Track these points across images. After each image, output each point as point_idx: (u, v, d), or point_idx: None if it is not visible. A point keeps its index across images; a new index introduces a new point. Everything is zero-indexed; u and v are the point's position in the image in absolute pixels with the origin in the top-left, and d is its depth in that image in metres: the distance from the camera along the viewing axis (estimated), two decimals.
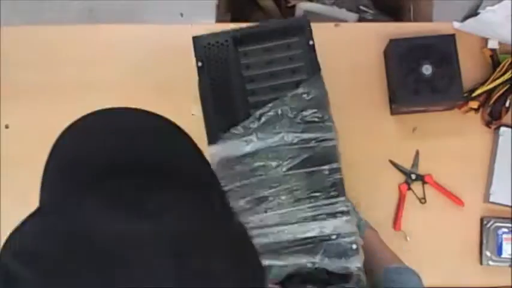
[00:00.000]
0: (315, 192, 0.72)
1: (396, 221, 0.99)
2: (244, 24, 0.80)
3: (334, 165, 0.73)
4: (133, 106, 0.40)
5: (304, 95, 0.74)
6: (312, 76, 0.75)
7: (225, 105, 0.76)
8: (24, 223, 0.34)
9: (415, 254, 0.97)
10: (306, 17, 0.78)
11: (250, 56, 0.77)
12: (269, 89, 0.76)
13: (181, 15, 1.29)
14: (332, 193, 0.72)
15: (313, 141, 0.73)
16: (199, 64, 0.77)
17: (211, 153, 0.74)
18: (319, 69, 0.76)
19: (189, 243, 0.33)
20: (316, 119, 0.73)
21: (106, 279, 0.31)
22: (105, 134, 0.38)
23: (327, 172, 0.73)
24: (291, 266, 0.71)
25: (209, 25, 1.21)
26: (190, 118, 0.97)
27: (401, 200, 0.99)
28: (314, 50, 0.77)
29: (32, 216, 0.35)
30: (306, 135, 0.73)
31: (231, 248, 0.36)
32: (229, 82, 0.77)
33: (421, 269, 0.98)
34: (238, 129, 0.74)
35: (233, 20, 1.44)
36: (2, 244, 0.35)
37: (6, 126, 1.04)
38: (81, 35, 1.08)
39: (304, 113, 0.73)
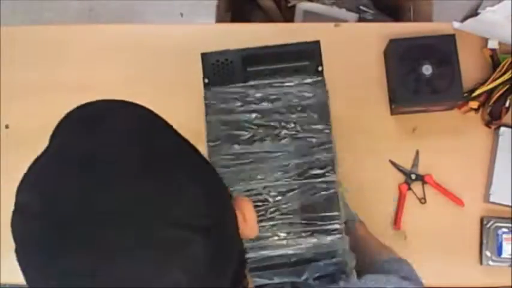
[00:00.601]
0: (308, 205, 0.72)
1: (396, 221, 0.99)
2: (257, 23, 0.80)
3: (330, 178, 0.73)
4: None
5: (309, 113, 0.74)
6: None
7: (228, 122, 0.76)
8: (35, 160, 0.40)
9: (415, 254, 0.97)
10: (317, 42, 0.77)
11: (258, 76, 0.77)
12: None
13: (181, 15, 1.29)
14: (326, 208, 0.72)
15: (312, 148, 0.73)
16: (206, 81, 0.77)
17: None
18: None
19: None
20: (316, 127, 0.74)
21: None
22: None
23: (322, 185, 0.72)
24: (273, 284, 0.70)
25: (209, 25, 1.21)
26: (190, 117, 0.97)
27: (401, 200, 0.99)
28: (322, 76, 0.77)
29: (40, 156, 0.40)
30: (304, 138, 0.73)
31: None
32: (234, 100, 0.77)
33: (421, 269, 0.97)
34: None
35: (233, 20, 1.44)
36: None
37: (6, 126, 1.04)
38: (81, 35, 1.08)
39: (304, 122, 0.74)
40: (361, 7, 1.48)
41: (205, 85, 0.77)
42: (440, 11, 1.18)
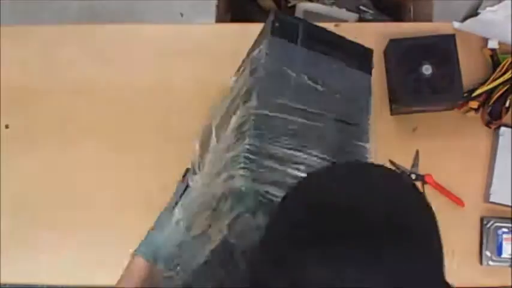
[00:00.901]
0: (339, 153, 0.75)
1: None
2: (257, 24, 0.83)
3: (366, 145, 0.78)
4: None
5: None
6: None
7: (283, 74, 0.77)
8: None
9: None
10: (371, 50, 0.81)
11: (315, 51, 0.79)
12: None
13: (181, 15, 1.29)
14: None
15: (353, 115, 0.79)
16: (277, 24, 0.78)
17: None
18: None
19: None
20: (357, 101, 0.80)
21: None
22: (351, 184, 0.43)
23: (356, 145, 0.78)
24: None
25: (209, 25, 1.21)
26: (190, 116, 0.97)
27: None
28: (370, 74, 0.79)
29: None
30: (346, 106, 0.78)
31: None
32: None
33: None
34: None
35: (233, 20, 1.44)
36: None
37: (6, 126, 1.04)
38: (81, 35, 1.08)
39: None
40: (361, 7, 1.48)
41: (273, 29, 0.77)
42: (440, 11, 1.18)
